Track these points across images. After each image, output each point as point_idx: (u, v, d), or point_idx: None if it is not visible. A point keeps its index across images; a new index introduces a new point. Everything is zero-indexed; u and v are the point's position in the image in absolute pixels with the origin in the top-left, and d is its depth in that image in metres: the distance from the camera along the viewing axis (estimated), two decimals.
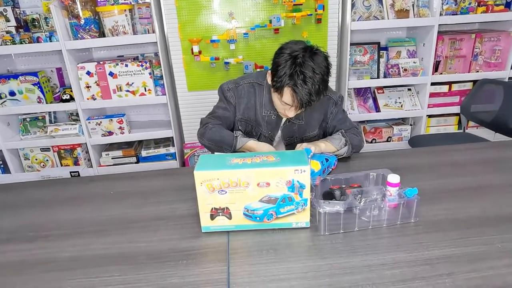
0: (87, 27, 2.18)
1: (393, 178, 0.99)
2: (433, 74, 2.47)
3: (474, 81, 2.55)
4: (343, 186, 1.05)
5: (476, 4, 2.37)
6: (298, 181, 0.89)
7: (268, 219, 0.94)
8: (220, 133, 1.35)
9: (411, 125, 2.72)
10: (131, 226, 1.04)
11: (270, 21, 2.22)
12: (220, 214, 0.94)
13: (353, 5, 2.31)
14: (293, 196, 0.91)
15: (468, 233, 0.92)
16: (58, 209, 1.17)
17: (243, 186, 0.90)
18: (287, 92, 1.20)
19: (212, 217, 0.95)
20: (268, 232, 0.96)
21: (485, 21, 2.50)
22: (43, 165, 2.55)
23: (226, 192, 0.91)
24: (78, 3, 2.11)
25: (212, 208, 0.93)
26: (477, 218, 0.99)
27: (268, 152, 0.98)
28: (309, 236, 0.94)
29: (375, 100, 2.64)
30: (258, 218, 0.93)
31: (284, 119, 1.39)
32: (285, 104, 1.24)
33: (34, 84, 2.28)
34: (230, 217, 0.94)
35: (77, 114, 2.39)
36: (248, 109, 1.39)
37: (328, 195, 1.03)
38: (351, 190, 1.01)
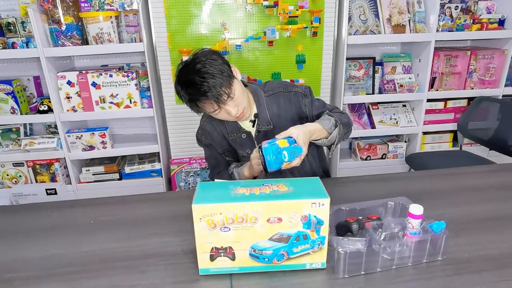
0: (69, 33, 2.03)
1: (416, 209, 0.88)
2: (429, 90, 2.42)
3: (469, 98, 2.53)
4: (360, 217, 0.93)
5: (471, 21, 2.36)
6: (315, 216, 0.77)
7: (278, 260, 0.80)
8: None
9: (405, 141, 2.66)
10: (113, 266, 0.88)
11: (265, 33, 2.13)
12: (222, 254, 0.80)
13: (349, 19, 2.25)
14: (308, 233, 0.79)
15: (504, 274, 0.81)
16: (26, 243, 1.00)
17: (250, 222, 0.77)
18: (200, 106, 1.15)
19: (212, 257, 0.80)
20: (277, 275, 0.82)
21: (479, 39, 2.49)
22: (15, 181, 2.34)
23: (230, 229, 0.77)
24: (59, 7, 1.96)
25: (212, 248, 0.79)
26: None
27: (278, 180, 0.85)
28: (325, 279, 0.81)
29: (369, 116, 2.57)
30: (266, 259, 0.80)
31: (254, 133, 1.30)
32: (216, 112, 1.16)
33: (7, 93, 2.10)
34: (233, 258, 0.80)
35: (56, 127, 2.21)
36: (221, 140, 1.35)
37: (343, 228, 0.91)
38: (370, 223, 0.89)
